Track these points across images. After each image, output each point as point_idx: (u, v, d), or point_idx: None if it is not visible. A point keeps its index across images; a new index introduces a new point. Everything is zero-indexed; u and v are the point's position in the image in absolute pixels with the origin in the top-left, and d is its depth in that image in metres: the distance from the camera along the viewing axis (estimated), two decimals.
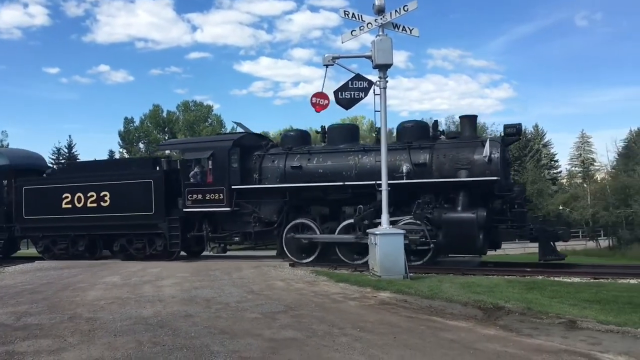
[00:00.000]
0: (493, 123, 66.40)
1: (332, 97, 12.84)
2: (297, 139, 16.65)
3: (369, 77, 12.82)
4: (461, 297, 9.23)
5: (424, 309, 8.56)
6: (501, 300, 8.76)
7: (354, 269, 13.85)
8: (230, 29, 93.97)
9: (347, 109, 12.92)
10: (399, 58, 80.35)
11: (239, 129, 17.88)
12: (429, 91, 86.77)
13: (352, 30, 12.60)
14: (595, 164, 63.00)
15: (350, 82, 12.59)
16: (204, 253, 19.07)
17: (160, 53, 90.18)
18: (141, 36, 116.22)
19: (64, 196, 17.97)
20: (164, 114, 65.79)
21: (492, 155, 13.64)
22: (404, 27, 12.53)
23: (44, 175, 20.01)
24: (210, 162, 16.33)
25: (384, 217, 12.39)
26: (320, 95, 12.99)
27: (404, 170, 14.28)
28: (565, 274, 12.28)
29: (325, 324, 7.44)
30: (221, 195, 16.03)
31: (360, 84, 12.60)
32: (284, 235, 15.60)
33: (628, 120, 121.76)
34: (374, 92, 12.63)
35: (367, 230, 13.06)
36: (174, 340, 6.60)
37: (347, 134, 16.17)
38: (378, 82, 12.57)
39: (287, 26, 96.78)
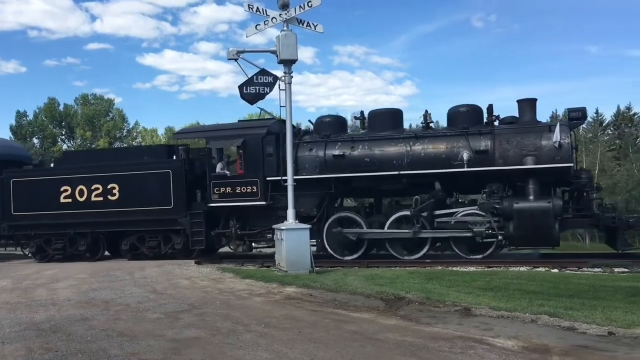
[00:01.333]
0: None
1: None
2: (334, 126, 15.00)
3: (276, 72, 12.84)
4: (365, 289, 9.45)
5: (329, 302, 8.68)
6: (402, 291, 9.06)
7: (261, 265, 13.83)
8: (132, 20, 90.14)
9: (252, 104, 12.89)
10: (306, 54, 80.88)
11: (266, 115, 16.06)
12: (335, 87, 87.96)
13: (257, 25, 12.53)
14: None
15: (255, 76, 12.52)
16: (221, 251, 17.30)
17: (56, 43, 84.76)
18: (34, 24, 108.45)
19: (62, 189, 16.03)
20: (61, 108, 62.28)
21: (562, 141, 12.88)
22: (308, 23, 12.58)
23: (28, 167, 17.90)
24: (241, 151, 14.97)
25: (290, 212, 12.44)
26: None
27: (464, 158, 13.29)
28: (462, 263, 12.90)
29: (229, 321, 7.36)
30: (255, 187, 14.58)
31: (265, 79, 12.54)
32: (325, 230, 14.39)
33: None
34: (279, 87, 12.63)
35: (273, 226, 13.03)
36: (68, 345, 6.27)
37: (390, 119, 14.67)
38: (283, 77, 12.57)
39: (192, 19, 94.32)
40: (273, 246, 15.33)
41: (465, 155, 13.31)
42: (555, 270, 11.84)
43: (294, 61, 12.54)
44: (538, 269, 12.04)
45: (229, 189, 14.79)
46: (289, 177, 12.57)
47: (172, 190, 15.33)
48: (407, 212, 13.69)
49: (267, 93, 12.55)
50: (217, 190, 14.85)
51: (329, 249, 14.35)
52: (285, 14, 12.30)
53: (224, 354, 5.83)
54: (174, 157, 16.14)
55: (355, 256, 14.13)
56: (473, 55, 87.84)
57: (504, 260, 13.11)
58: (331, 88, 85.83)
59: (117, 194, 15.68)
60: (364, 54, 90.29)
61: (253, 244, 15.97)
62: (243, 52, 12.63)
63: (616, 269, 11.61)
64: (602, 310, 7.30)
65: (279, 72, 12.76)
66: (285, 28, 12.44)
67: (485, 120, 13.90)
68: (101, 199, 15.80)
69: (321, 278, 10.87)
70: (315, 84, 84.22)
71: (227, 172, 15.21)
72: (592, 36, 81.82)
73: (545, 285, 9.71)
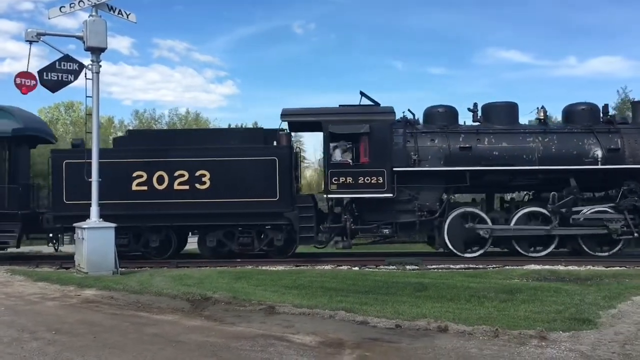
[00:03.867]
0: (215, 118, 67.78)
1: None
2: (449, 116, 14.47)
3: (85, 60, 11.98)
4: (171, 290, 9.20)
5: (131, 304, 8.32)
6: (209, 291, 8.96)
7: (59, 267, 12.84)
8: None
9: (53, 91, 11.85)
10: (123, 44, 76.11)
11: (366, 101, 14.49)
12: (154, 81, 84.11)
13: (62, 7, 11.58)
14: (305, 161, 69.38)
15: (57, 62, 11.57)
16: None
17: None
18: None
19: (135, 175, 13.53)
20: None
21: None
22: (120, 10, 11.93)
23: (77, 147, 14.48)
24: (366, 139, 13.54)
25: (94, 210, 11.72)
26: (26, 75, 11.72)
27: (598, 156, 13.47)
28: (272, 263, 13.20)
29: (14, 329, 6.71)
30: (380, 178, 13.42)
31: (70, 65, 11.66)
32: (446, 225, 13.68)
33: None
34: (85, 77, 11.81)
35: (74, 225, 12.11)
36: None
37: (507, 113, 14.42)
38: (90, 66, 11.79)
39: None
40: (379, 242, 15.00)
41: (599, 153, 13.61)
42: (356, 268, 12.61)
43: (102, 49, 11.81)
44: (341, 267, 12.73)
45: (350, 179, 13.59)
46: (94, 173, 11.85)
47: (278, 180, 13.68)
48: (534, 208, 13.79)
49: (71, 81, 11.68)
50: (335, 180, 13.62)
51: (449, 245, 13.79)
52: None
53: None
54: (275, 143, 14.39)
55: (478, 253, 13.83)
56: (292, 60, 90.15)
57: (310, 260, 13.65)
58: (150, 82, 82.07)
59: (208, 182, 13.64)
60: (185, 50, 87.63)
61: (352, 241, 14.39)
62: (44, 34, 11.59)
63: (408, 267, 12.71)
64: (392, 305, 7.93)
65: (88, 60, 11.95)
66: (94, 13, 11.67)
67: (601, 119, 14.40)
68: (187, 187, 13.64)
69: (125, 279, 10.37)
70: (132, 76, 79.85)
71: (350, 161, 13.73)
72: (398, 53, 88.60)
73: (346, 282, 10.21)
